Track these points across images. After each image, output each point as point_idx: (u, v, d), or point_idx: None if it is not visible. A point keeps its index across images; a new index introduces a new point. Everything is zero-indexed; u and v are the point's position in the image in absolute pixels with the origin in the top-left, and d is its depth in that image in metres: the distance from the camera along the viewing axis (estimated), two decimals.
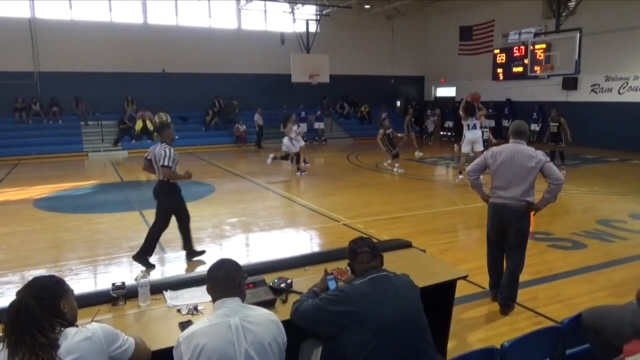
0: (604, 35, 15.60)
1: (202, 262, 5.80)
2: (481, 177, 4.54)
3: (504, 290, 4.21)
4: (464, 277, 3.20)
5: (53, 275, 2.00)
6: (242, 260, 5.66)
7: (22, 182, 11.77)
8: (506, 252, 4.28)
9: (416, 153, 15.50)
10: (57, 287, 1.92)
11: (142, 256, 5.50)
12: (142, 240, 5.48)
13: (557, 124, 11.26)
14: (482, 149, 9.91)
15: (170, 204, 5.62)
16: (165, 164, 5.32)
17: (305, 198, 9.27)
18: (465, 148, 10.51)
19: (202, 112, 19.99)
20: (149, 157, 5.52)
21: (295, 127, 12.25)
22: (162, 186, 5.55)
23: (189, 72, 19.57)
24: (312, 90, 20.54)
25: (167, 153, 5.33)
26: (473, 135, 10.21)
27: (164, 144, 5.46)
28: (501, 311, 4.22)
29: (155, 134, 18.24)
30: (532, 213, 4.18)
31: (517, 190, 4.05)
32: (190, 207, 8.67)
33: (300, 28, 20.37)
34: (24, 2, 17.34)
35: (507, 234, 4.20)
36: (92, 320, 2.26)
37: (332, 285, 2.60)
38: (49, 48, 17.49)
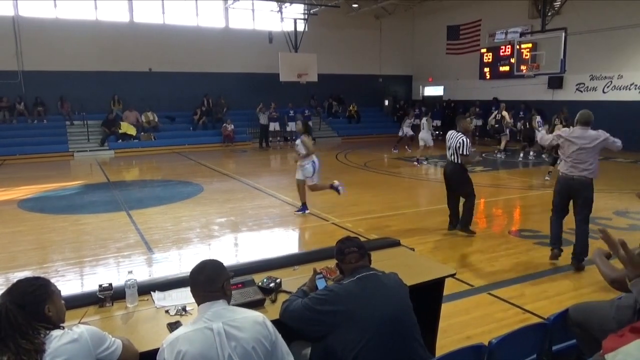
0: (589, 35, 15.81)
1: (192, 263, 5.75)
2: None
3: (576, 248, 5.14)
4: (452, 275, 3.22)
5: (38, 277, 1.96)
6: (231, 260, 5.66)
7: (6, 182, 11.58)
8: (576, 218, 5.17)
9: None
10: (41, 291, 1.88)
11: (467, 227, 6.49)
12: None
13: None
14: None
15: (468, 179, 6.53)
16: (465, 153, 6.31)
17: (294, 197, 9.25)
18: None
19: (190, 112, 19.86)
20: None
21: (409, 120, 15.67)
22: (457, 168, 6.47)
23: (176, 71, 19.42)
24: (300, 89, 20.52)
25: (465, 142, 6.29)
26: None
27: (459, 133, 6.40)
28: (576, 267, 5.15)
29: (143, 133, 18.13)
30: None
31: (584, 165, 4.96)
32: (179, 207, 8.73)
33: (288, 27, 20.34)
34: (7, 0, 17.06)
35: (576, 203, 5.13)
36: (79, 322, 2.23)
37: (321, 284, 2.59)
38: (34, 47, 17.23)
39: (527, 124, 14.30)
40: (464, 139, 6.32)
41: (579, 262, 5.15)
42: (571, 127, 5.58)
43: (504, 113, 15.29)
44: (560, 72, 14.65)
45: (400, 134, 16.34)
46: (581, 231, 5.15)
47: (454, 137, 6.44)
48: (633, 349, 1.91)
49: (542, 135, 5.67)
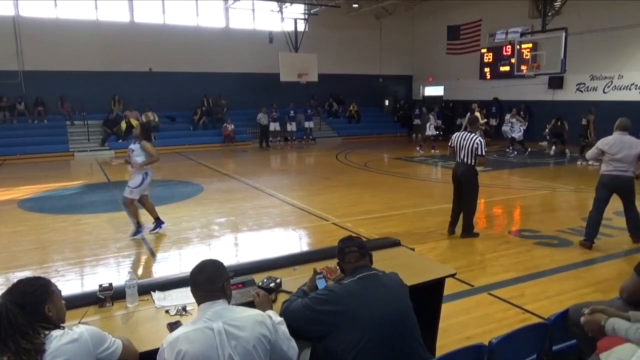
0: (589, 35, 15.80)
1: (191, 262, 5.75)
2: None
3: (631, 227, 6.08)
4: (452, 275, 3.22)
5: (38, 277, 1.96)
6: (231, 260, 5.66)
7: (6, 182, 11.58)
8: (625, 207, 6.03)
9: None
10: (41, 291, 1.88)
11: (470, 231, 6.45)
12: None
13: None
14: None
15: (477, 183, 6.46)
16: (483, 153, 6.23)
17: (294, 197, 9.26)
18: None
19: (190, 112, 19.85)
20: (452, 145, 6.50)
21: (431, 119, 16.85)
22: (470, 170, 6.34)
23: (176, 71, 19.41)
24: (300, 89, 20.52)
25: (482, 143, 6.23)
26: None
27: (472, 134, 6.31)
28: (636, 241, 6.10)
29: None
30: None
31: (626, 165, 5.69)
32: (179, 207, 8.73)
33: (289, 27, 20.33)
34: (7, 0, 17.05)
35: (622, 195, 5.92)
36: (79, 322, 2.23)
37: (321, 284, 2.59)
38: (34, 46, 17.23)
39: (560, 122, 14.47)
40: (481, 140, 6.23)
41: (638, 237, 6.07)
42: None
43: (477, 114, 15.04)
44: (560, 72, 14.66)
45: (428, 133, 16.71)
46: (633, 213, 6.04)
47: (467, 138, 6.28)
48: (627, 348, 1.93)
49: (590, 154, 6.15)
